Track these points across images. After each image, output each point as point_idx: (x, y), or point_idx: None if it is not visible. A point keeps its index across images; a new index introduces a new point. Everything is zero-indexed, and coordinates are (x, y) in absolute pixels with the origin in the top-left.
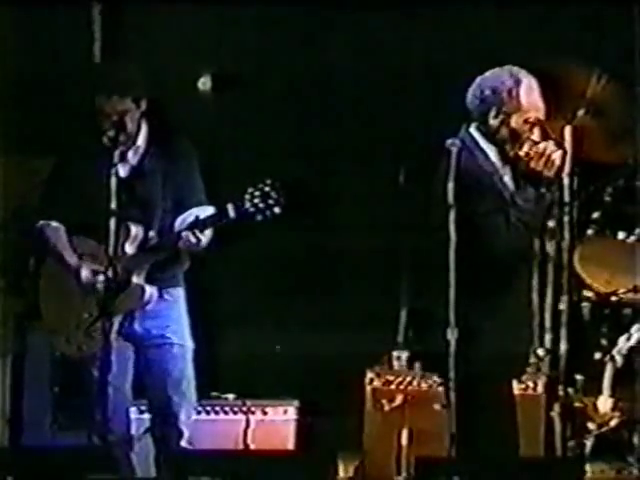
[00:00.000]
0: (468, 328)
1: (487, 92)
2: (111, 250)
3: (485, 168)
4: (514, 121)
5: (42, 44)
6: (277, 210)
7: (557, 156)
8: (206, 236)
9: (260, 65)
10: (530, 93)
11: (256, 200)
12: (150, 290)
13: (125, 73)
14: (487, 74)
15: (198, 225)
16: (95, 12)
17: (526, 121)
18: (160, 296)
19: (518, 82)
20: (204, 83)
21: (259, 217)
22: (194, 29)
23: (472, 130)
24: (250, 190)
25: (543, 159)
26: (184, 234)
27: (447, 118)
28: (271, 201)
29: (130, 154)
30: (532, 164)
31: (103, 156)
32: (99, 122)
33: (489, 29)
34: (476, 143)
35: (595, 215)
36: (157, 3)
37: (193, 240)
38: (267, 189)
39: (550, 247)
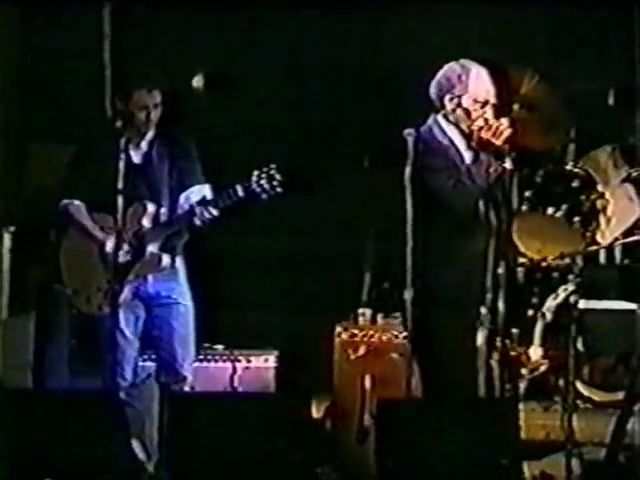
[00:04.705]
0: (425, 287)
1: (442, 81)
2: (129, 224)
3: (445, 145)
4: (465, 101)
5: (60, 43)
6: (280, 190)
7: (505, 126)
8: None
9: (248, 65)
10: (478, 78)
11: (262, 181)
12: (166, 258)
13: (157, 69)
14: (444, 68)
15: (210, 202)
16: (106, 12)
17: (476, 100)
18: (172, 264)
19: (467, 70)
20: (198, 81)
21: (264, 196)
22: (190, 30)
23: (438, 116)
24: (257, 172)
25: (492, 129)
26: (197, 210)
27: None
28: (275, 182)
29: (143, 142)
30: (482, 134)
31: (119, 144)
32: (131, 113)
33: (462, 27)
34: (440, 126)
35: (528, 194)
36: (162, 6)
37: (207, 215)
38: (272, 172)
39: (492, 220)
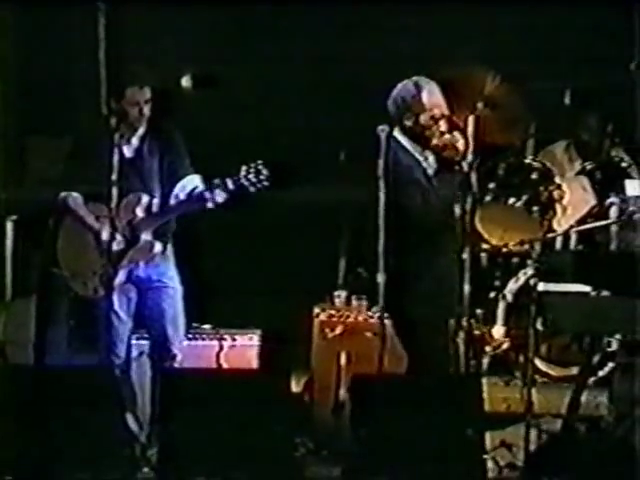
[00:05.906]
0: (396, 273)
1: (399, 101)
2: (123, 213)
3: (408, 162)
4: (422, 119)
5: (61, 43)
6: (267, 184)
7: (460, 144)
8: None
9: (232, 67)
10: (431, 95)
11: (250, 176)
12: (158, 245)
13: (146, 67)
14: (398, 86)
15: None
16: (101, 13)
17: (432, 117)
18: (164, 250)
19: (420, 89)
20: (187, 81)
21: (252, 189)
22: (180, 32)
23: (395, 133)
24: (245, 167)
25: (450, 148)
26: (196, 196)
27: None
28: (262, 176)
29: (134, 138)
30: (444, 154)
31: (113, 138)
32: (124, 111)
33: (442, 27)
34: (399, 143)
35: (491, 185)
36: (154, 7)
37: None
38: (260, 167)
39: (457, 211)
